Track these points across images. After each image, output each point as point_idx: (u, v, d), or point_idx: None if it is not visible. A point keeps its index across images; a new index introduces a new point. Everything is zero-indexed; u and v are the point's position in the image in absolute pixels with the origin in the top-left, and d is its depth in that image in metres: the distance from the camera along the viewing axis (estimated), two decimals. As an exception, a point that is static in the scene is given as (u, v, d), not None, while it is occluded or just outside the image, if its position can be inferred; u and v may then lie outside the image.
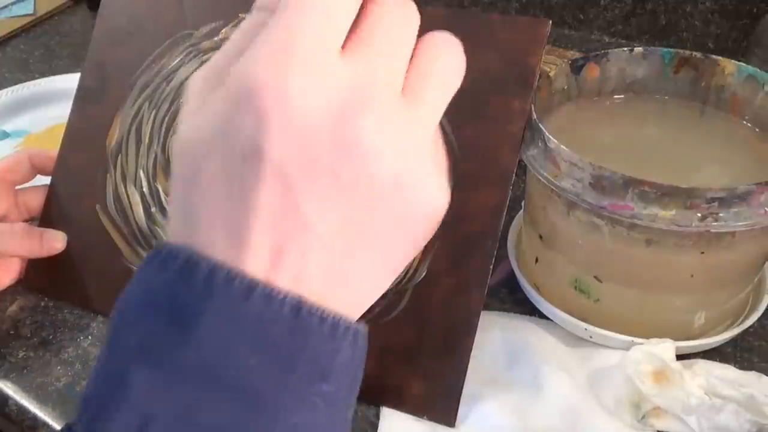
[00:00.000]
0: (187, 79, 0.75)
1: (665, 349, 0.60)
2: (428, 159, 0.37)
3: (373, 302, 0.38)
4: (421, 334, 0.63)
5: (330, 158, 0.32)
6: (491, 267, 0.62)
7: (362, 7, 0.35)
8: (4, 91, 1.08)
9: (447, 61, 0.37)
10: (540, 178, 0.61)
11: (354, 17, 0.34)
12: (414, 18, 0.36)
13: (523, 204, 0.73)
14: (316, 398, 0.33)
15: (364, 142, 0.33)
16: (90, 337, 0.72)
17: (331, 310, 0.33)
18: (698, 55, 0.69)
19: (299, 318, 0.32)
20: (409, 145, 0.35)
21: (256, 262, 0.32)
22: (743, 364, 0.65)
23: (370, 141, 0.33)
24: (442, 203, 0.37)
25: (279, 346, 0.32)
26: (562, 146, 0.59)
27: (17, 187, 0.76)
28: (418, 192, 0.36)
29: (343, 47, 0.34)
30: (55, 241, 0.74)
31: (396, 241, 0.36)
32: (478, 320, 0.62)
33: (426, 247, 0.63)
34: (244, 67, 0.33)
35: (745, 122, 0.68)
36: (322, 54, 0.33)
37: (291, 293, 0.32)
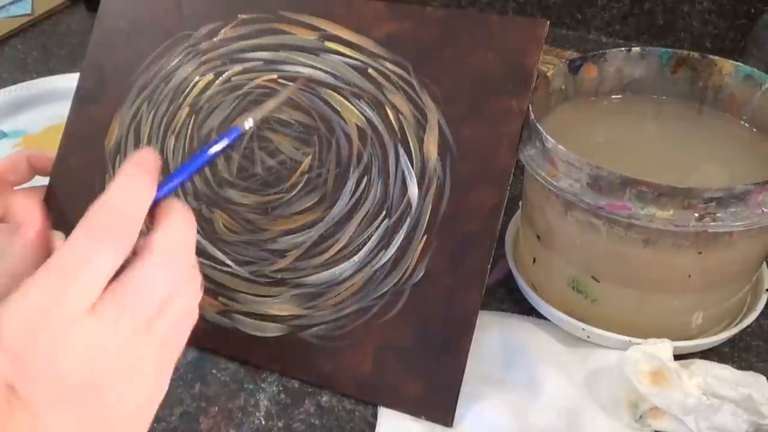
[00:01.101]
0: (186, 79, 0.75)
1: (663, 349, 0.60)
2: (128, 360, 0.43)
3: None
4: (419, 333, 0.63)
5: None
6: (489, 267, 0.62)
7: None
8: (2, 91, 1.08)
9: (185, 305, 0.46)
10: (537, 178, 0.61)
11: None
12: (119, 234, 0.43)
13: (520, 204, 0.74)
14: None
15: (40, 355, 0.40)
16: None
17: None
18: (696, 55, 0.69)
19: None
20: (99, 353, 0.41)
21: None
22: (741, 364, 0.65)
23: (49, 353, 0.40)
24: (143, 399, 0.44)
25: None
26: (559, 146, 0.59)
27: (15, 188, 0.76)
28: (114, 393, 0.42)
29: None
30: (55, 241, 0.74)
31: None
32: (476, 320, 0.62)
33: (424, 247, 0.64)
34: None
35: (742, 122, 0.68)
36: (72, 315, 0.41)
37: None
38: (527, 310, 0.70)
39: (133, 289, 0.42)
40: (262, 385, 0.66)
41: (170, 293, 0.44)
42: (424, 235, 0.64)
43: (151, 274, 0.43)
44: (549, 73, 0.68)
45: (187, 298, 0.46)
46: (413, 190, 0.65)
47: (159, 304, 0.44)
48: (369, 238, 0.66)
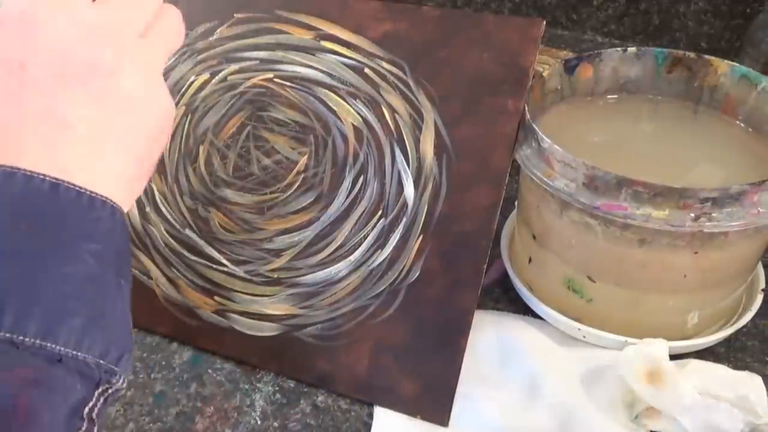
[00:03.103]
0: (181, 78, 0.75)
1: (658, 349, 0.60)
2: (158, 80, 0.47)
3: (129, 190, 0.45)
4: (415, 333, 0.63)
5: (82, 74, 0.43)
6: (485, 266, 0.62)
7: None
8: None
9: (173, 24, 0.50)
10: (533, 177, 0.61)
11: None
12: None
13: (516, 204, 0.73)
14: (85, 254, 0.40)
15: (106, 62, 0.43)
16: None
17: (88, 188, 0.41)
18: (691, 55, 0.69)
19: (58, 192, 0.40)
20: (144, 69, 0.46)
21: (27, 158, 0.40)
22: (736, 364, 0.65)
23: (112, 62, 0.44)
24: (168, 106, 0.48)
25: (42, 214, 0.39)
26: (555, 146, 0.59)
27: None
28: (151, 101, 0.46)
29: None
30: None
31: (138, 137, 0.45)
32: (472, 320, 0.62)
33: (420, 246, 0.64)
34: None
35: (738, 122, 0.68)
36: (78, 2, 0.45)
37: (50, 175, 0.40)
38: (523, 309, 0.70)
39: None
40: (258, 384, 0.66)
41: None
42: (420, 234, 0.64)
43: None
44: (545, 73, 0.68)
45: (175, 19, 0.51)
46: (409, 190, 0.65)
47: (146, 13, 0.48)
48: (365, 237, 0.66)
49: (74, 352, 0.38)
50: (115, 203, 0.42)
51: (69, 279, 0.39)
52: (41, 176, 0.39)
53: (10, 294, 0.37)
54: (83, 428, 0.38)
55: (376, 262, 0.65)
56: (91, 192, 0.41)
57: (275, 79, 0.71)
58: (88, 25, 0.44)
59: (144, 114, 0.45)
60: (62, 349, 0.38)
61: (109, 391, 0.41)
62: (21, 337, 0.36)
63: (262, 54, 0.72)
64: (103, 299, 0.41)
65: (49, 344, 0.37)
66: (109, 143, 0.43)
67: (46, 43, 0.42)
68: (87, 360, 0.39)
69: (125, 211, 0.44)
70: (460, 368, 0.62)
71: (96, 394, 0.39)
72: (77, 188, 0.40)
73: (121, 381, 0.41)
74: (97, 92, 0.43)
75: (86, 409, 0.39)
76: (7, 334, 0.36)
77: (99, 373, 0.39)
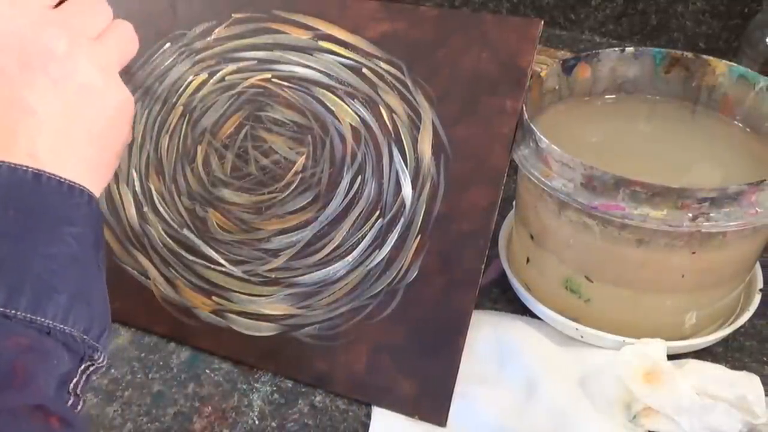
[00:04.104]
0: (179, 78, 0.75)
1: (656, 348, 0.60)
2: (114, 74, 0.50)
3: (98, 176, 0.48)
4: (413, 333, 0.63)
5: (41, 60, 0.46)
6: (483, 266, 0.62)
7: None
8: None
9: (125, 34, 0.53)
10: (531, 177, 0.61)
11: None
12: (107, 9, 0.52)
13: (514, 204, 0.73)
14: (67, 237, 0.43)
15: (62, 50, 0.47)
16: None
17: (66, 177, 0.44)
18: (689, 55, 0.69)
19: (41, 182, 0.43)
20: (98, 63, 0.49)
21: None
22: (734, 364, 0.65)
23: (67, 50, 0.47)
24: (127, 98, 0.51)
25: (27, 201, 0.42)
26: (553, 146, 0.59)
27: None
28: (109, 91, 0.49)
29: (58, 6, 0.49)
30: None
31: (100, 125, 0.48)
32: (470, 320, 0.62)
33: (418, 247, 0.64)
34: None
35: (736, 122, 0.68)
36: (35, 2, 0.48)
37: (31, 167, 0.43)
38: (521, 309, 0.70)
39: (82, 3, 0.50)
40: (256, 384, 0.66)
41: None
42: (417, 234, 0.64)
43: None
44: (543, 73, 0.68)
45: (128, 30, 0.54)
46: (407, 190, 0.65)
47: (101, 21, 0.51)
48: (363, 237, 0.66)
49: (61, 326, 0.41)
50: (90, 191, 0.46)
51: (54, 258, 0.42)
52: (24, 167, 0.43)
53: (2, 271, 0.40)
54: (70, 402, 0.42)
55: (374, 262, 0.65)
56: (70, 181, 0.44)
57: (273, 79, 0.71)
58: (44, 18, 0.47)
59: (103, 103, 0.49)
60: (51, 322, 0.41)
61: (91, 368, 0.44)
62: (13, 311, 0.39)
63: (260, 54, 0.72)
64: (85, 278, 0.44)
65: (39, 318, 0.40)
66: (74, 130, 0.46)
67: (5, 34, 0.46)
68: (73, 333, 0.42)
69: (97, 196, 0.47)
70: (457, 368, 0.62)
71: (80, 370, 0.43)
72: (58, 178, 0.44)
73: (102, 358, 0.44)
74: (57, 78, 0.46)
75: (71, 384, 0.42)
76: (1, 309, 0.39)
77: (83, 348, 0.42)
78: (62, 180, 0.44)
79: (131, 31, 0.54)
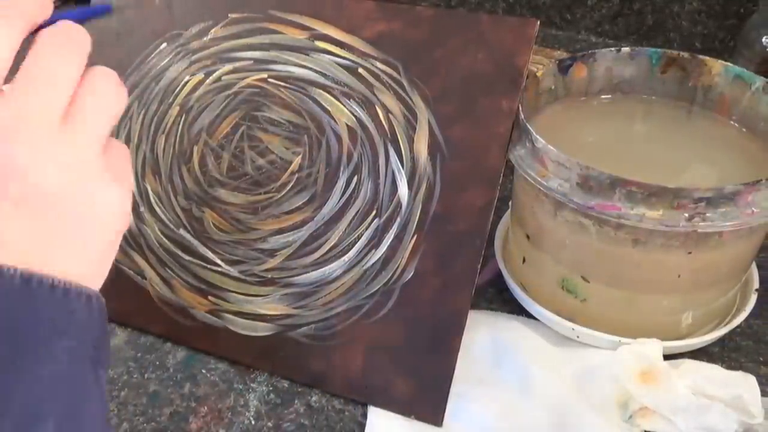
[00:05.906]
0: (176, 78, 0.75)
1: (652, 348, 0.60)
2: (96, 172, 0.41)
3: (98, 281, 0.42)
4: (409, 333, 0.63)
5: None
6: (479, 266, 0.62)
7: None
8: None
9: (104, 90, 0.42)
10: (527, 177, 0.61)
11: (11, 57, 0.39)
12: (74, 54, 0.41)
13: (510, 204, 0.74)
14: (59, 353, 0.37)
15: (20, 162, 0.37)
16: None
17: (61, 279, 0.38)
18: (685, 55, 0.69)
19: (31, 286, 0.37)
20: (71, 162, 0.40)
21: None
22: (730, 364, 0.65)
23: (27, 160, 0.38)
24: (113, 203, 0.42)
25: (15, 312, 0.36)
26: (549, 146, 0.59)
27: None
28: (88, 198, 0.40)
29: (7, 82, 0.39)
30: None
31: (88, 237, 0.41)
32: (466, 320, 0.62)
33: (414, 246, 0.64)
34: None
35: (732, 122, 0.68)
36: None
37: (21, 269, 0.36)
38: (517, 309, 0.70)
39: (36, 71, 0.40)
40: (252, 384, 0.66)
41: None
42: (414, 234, 0.64)
43: (49, 57, 0.40)
44: (539, 73, 0.68)
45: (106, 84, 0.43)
46: (403, 190, 0.65)
47: (66, 88, 0.41)
48: (359, 237, 0.66)
49: None
50: (91, 292, 0.40)
51: (41, 381, 0.37)
52: (12, 269, 0.36)
53: None
54: None
55: (370, 262, 0.65)
56: (65, 283, 0.38)
57: (269, 79, 0.71)
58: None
59: (82, 213, 0.40)
60: None
61: None
62: None
63: (256, 54, 0.72)
64: (77, 397, 0.39)
65: None
66: (57, 249, 0.39)
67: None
68: None
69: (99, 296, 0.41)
70: (454, 368, 0.62)
71: None
72: (50, 282, 0.37)
73: None
74: (19, 198, 0.38)
75: None
76: None
77: None
78: (55, 284, 0.38)
79: (113, 83, 0.43)
